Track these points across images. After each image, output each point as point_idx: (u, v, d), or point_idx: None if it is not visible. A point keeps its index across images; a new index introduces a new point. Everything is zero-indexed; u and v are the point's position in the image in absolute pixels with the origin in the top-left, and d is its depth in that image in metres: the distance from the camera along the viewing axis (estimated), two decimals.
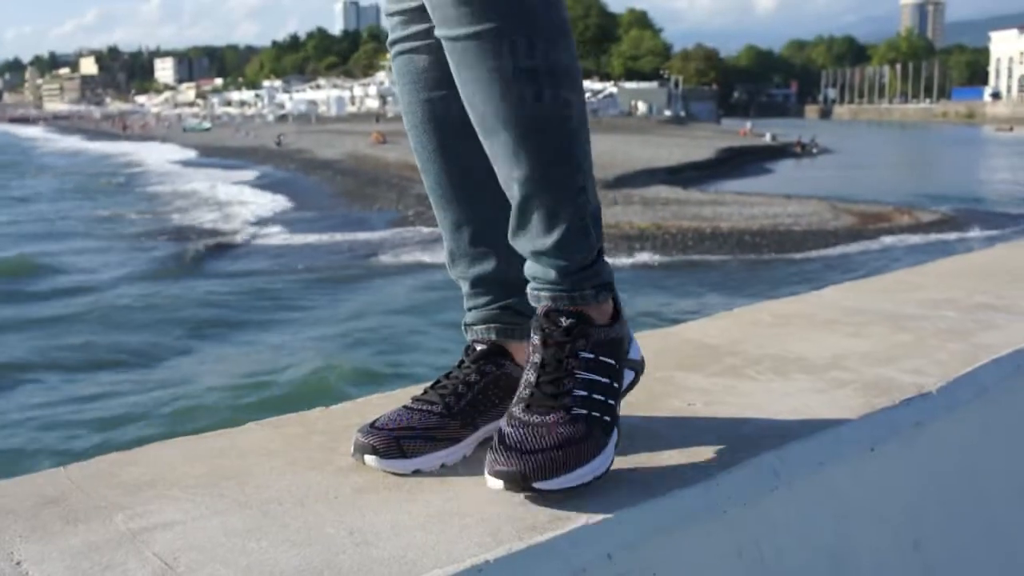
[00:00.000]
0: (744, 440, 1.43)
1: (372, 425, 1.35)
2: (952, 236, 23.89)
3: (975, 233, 24.38)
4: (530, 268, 1.31)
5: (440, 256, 1.50)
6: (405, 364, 13.14)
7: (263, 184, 38.41)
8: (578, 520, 1.17)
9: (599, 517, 1.18)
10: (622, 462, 1.36)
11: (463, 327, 1.48)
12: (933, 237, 23.93)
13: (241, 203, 32.48)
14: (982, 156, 60.91)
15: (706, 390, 1.51)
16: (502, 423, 1.24)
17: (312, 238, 24.76)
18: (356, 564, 1.06)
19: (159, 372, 13.01)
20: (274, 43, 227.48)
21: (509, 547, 1.10)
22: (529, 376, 1.26)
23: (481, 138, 1.27)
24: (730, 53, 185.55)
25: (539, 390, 1.24)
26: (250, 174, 43.14)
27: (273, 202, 32.64)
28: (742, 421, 1.50)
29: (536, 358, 1.27)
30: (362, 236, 24.61)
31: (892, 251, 22.29)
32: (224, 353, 14.01)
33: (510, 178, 1.25)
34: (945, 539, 1.66)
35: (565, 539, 1.14)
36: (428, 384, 1.44)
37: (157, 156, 56.37)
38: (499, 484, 1.17)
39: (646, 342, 1.54)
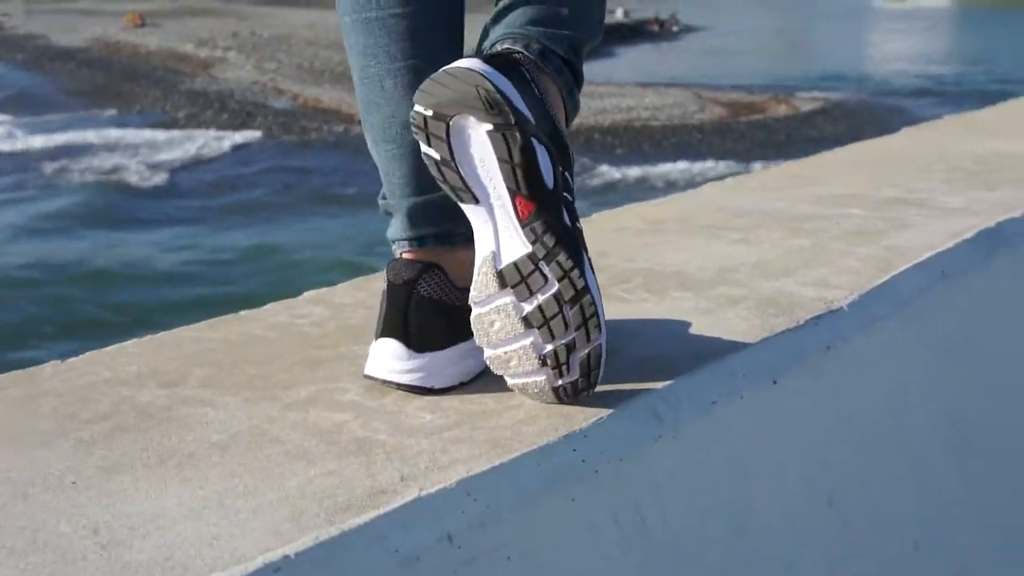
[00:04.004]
0: (615, 378, 1.37)
1: None
2: (842, 127, 24.73)
3: (867, 120, 25.30)
4: None
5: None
6: None
7: None
8: (408, 493, 1.09)
9: (436, 488, 1.11)
10: (464, 415, 1.29)
11: None
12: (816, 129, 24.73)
13: None
14: (872, 31, 63.28)
15: None
16: None
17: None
18: (102, 573, 0.94)
19: None
20: None
21: (316, 535, 1.01)
22: None
23: None
24: None
25: None
26: None
27: None
28: (611, 353, 1.44)
29: None
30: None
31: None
32: None
33: None
34: (865, 491, 1.66)
35: (391, 519, 1.06)
36: None
37: None
38: None
39: None
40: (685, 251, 2.07)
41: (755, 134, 24.56)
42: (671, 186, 18.15)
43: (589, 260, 1.29)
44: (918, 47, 49.72)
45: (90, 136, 25.03)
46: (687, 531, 1.36)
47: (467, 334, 1.35)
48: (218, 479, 1.13)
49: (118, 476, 1.14)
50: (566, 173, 1.29)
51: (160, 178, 20.64)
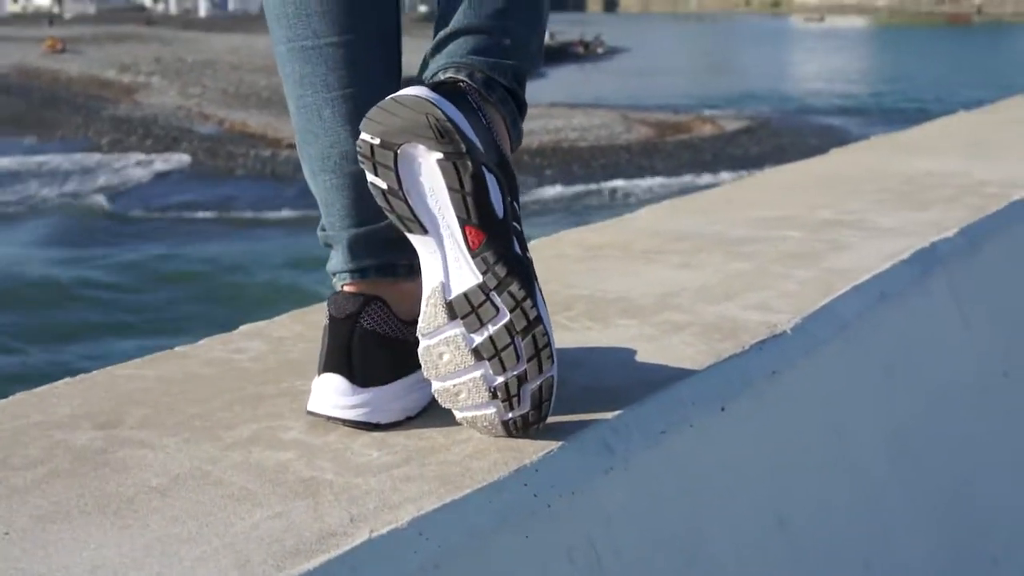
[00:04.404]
0: (563, 408, 1.34)
1: None
2: (767, 146, 24.99)
3: (790, 138, 25.60)
4: None
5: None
6: None
7: None
8: (358, 535, 1.06)
9: (387, 528, 1.07)
10: (412, 451, 1.26)
11: None
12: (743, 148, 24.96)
13: None
14: (791, 51, 64.20)
15: None
16: None
17: None
18: None
19: None
20: None
21: None
22: None
23: None
24: None
25: None
26: None
27: None
28: (558, 383, 1.42)
29: None
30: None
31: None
32: None
33: None
34: (813, 512, 1.65)
35: (342, 563, 1.03)
36: None
37: None
38: None
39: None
40: (626, 277, 2.05)
41: (682, 154, 24.76)
42: (603, 207, 18.22)
43: (540, 290, 1.26)
44: (837, 66, 50.55)
45: (7, 163, 24.58)
46: (640, 563, 1.33)
47: (412, 367, 1.32)
48: (159, 525, 1.09)
49: (53, 525, 1.09)
50: (514, 202, 1.27)
51: (82, 205, 20.32)
